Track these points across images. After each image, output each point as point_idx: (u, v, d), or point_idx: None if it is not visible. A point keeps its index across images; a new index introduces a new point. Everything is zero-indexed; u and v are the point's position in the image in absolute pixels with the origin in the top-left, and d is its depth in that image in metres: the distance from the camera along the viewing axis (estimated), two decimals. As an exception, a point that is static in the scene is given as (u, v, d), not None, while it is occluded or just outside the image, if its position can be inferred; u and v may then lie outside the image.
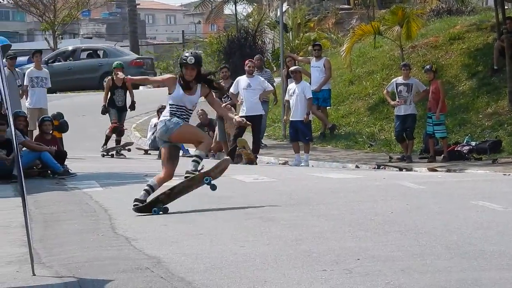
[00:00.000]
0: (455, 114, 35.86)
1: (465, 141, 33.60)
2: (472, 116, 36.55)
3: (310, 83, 33.55)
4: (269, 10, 59.65)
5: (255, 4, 64.07)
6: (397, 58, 38.59)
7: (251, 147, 30.70)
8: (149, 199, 16.81)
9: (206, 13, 71.92)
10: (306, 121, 30.41)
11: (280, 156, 32.77)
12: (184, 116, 17.05)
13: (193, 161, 16.94)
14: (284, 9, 48.03)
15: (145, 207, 16.68)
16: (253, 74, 30.57)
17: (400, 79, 31.97)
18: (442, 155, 31.71)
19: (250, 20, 63.28)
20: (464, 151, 32.61)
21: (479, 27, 42.42)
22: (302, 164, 29.96)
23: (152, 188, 16.91)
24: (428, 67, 32.90)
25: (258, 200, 16.38)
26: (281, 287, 10.49)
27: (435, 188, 21.41)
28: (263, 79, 31.78)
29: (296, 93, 30.47)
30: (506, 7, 41.16)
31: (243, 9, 67.09)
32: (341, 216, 15.99)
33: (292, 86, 31.13)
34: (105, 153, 30.95)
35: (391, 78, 34.41)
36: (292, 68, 31.34)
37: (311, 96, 31.06)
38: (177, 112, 17.00)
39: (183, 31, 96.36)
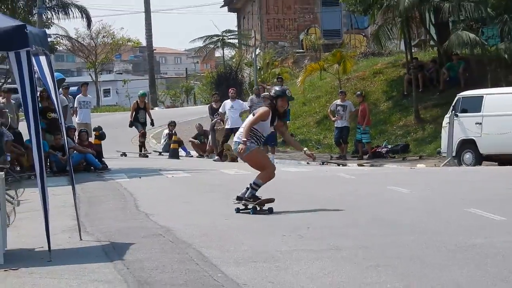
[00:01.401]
0: (376, 126, 35.97)
1: (383, 145, 34.11)
2: (388, 127, 37.00)
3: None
4: (246, 53, 60.00)
5: (237, 49, 64.89)
6: (336, 87, 38.30)
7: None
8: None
9: (202, 56, 73.00)
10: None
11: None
12: (259, 142, 14.24)
13: (250, 187, 13.88)
14: (257, 52, 48.36)
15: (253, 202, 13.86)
16: (234, 99, 31.09)
17: (338, 102, 32.23)
18: (368, 155, 32.02)
19: (233, 60, 63.25)
20: (383, 152, 33.21)
21: (394, 64, 42.57)
22: (270, 161, 29.83)
23: (258, 186, 13.93)
24: (358, 93, 33.36)
25: (238, 187, 16.43)
26: (253, 246, 10.49)
27: (362, 178, 21.50)
28: (242, 102, 32.57)
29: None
30: (413, 51, 41.47)
31: (228, 53, 68.12)
32: (297, 198, 15.95)
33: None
34: (142, 155, 31.69)
35: (332, 101, 34.37)
36: (262, 94, 31.76)
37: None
38: (255, 136, 13.97)
39: (186, 68, 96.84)
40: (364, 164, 30.52)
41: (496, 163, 28.55)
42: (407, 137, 36.13)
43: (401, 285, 8.19)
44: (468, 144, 29.06)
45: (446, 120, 29.57)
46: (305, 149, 15.04)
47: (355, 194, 17.04)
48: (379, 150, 33.74)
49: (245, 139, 13.76)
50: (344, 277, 8.66)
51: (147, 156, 31.59)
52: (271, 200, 13.74)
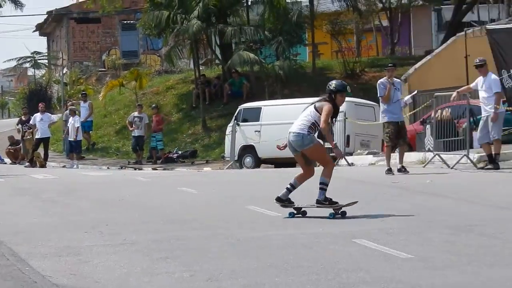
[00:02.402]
0: (169, 134, 36.07)
1: (174, 151, 34.30)
2: (179, 135, 37.18)
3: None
4: (55, 72, 60.30)
5: (46, 68, 64.97)
6: (134, 101, 38.21)
7: (43, 157, 30.96)
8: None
9: (17, 74, 72.80)
10: (77, 139, 31.20)
11: (61, 162, 32.68)
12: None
13: (320, 189, 12.17)
14: (64, 71, 48.44)
15: (285, 206, 12.30)
16: (44, 112, 30.87)
17: (136, 113, 32.37)
18: (161, 160, 32.27)
19: (43, 78, 63.82)
20: (174, 157, 33.45)
21: (184, 80, 42.74)
22: (75, 167, 29.98)
23: (293, 187, 12.27)
24: (153, 106, 34.19)
25: (47, 188, 16.18)
26: (58, 242, 10.37)
27: (156, 180, 21.44)
28: (50, 115, 32.61)
29: (71, 123, 31.14)
30: (201, 68, 42.24)
31: (40, 72, 68.31)
32: (97, 198, 15.79)
33: (71, 119, 31.78)
34: None
35: (130, 113, 34.52)
36: (70, 108, 32.11)
37: (79, 125, 31.54)
38: (315, 130, 12.14)
39: (1, 85, 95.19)
40: (158, 168, 30.47)
41: (273, 165, 29.18)
42: (196, 143, 36.60)
43: (187, 274, 8.21)
44: (248, 149, 29.52)
45: (229, 128, 29.83)
46: (335, 142, 12.92)
47: (150, 194, 16.97)
48: (171, 155, 34.03)
49: (334, 142, 12.27)
50: (138, 268, 8.64)
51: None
52: (351, 204, 11.99)
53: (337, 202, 11.73)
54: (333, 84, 12.24)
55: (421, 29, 55.40)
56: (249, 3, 42.00)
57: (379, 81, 19.90)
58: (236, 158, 28.97)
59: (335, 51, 51.02)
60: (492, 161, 18.97)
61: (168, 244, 10.14)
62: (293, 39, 40.34)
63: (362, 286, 7.57)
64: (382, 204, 13.54)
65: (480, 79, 19.11)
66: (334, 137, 12.75)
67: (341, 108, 28.47)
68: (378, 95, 19.59)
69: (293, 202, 12.01)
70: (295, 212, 11.98)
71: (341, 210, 11.75)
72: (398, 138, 19.20)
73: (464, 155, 19.55)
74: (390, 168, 18.60)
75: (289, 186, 12.03)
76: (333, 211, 11.70)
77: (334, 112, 12.13)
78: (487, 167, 19.10)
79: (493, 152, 18.80)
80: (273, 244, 10.18)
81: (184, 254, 9.39)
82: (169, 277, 8.18)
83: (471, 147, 20.95)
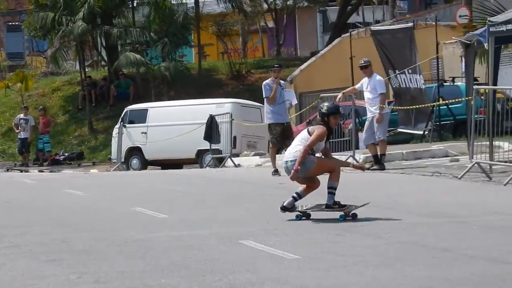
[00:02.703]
0: (56, 136, 36.22)
1: (61, 153, 34.53)
2: (66, 137, 37.31)
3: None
4: None
5: None
6: (19, 103, 38.33)
7: None
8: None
9: None
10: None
11: None
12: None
13: (329, 193, 12.05)
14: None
15: (291, 211, 12.07)
16: None
17: (22, 116, 32.58)
18: (47, 162, 32.40)
19: None
20: (61, 159, 33.70)
21: (70, 82, 42.82)
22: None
23: (299, 196, 12.09)
24: (40, 107, 34.38)
25: None
26: None
27: (43, 182, 21.37)
28: None
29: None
30: (87, 70, 42.72)
31: None
32: None
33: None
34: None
35: (16, 115, 34.50)
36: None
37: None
38: (310, 153, 11.89)
39: None
40: (44, 170, 30.41)
41: (160, 167, 29.41)
42: (82, 145, 36.99)
43: (74, 276, 8.20)
44: (135, 151, 29.74)
45: (115, 130, 30.02)
46: (353, 162, 13.06)
47: (36, 197, 16.83)
48: (57, 157, 34.43)
49: (297, 167, 11.85)
50: (24, 271, 8.54)
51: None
52: (362, 205, 11.97)
53: (346, 205, 11.72)
54: (324, 107, 12.03)
55: (306, 31, 56.93)
56: (135, 5, 42.47)
57: (264, 82, 20.14)
58: (122, 159, 29.11)
59: (221, 53, 51.94)
60: (378, 162, 19.58)
61: (55, 246, 10.07)
62: (179, 41, 40.98)
63: (249, 287, 7.66)
64: (268, 205, 13.79)
65: (365, 80, 19.63)
66: (296, 154, 12.11)
67: (227, 109, 28.94)
68: (264, 96, 19.87)
69: (297, 207, 11.86)
70: (301, 215, 11.80)
71: (352, 212, 11.65)
72: (284, 139, 19.42)
73: (350, 155, 20.07)
74: (277, 169, 18.80)
75: (295, 195, 11.84)
76: (343, 213, 11.62)
77: (328, 134, 12.02)
78: (373, 167, 19.63)
79: (378, 153, 19.35)
80: (161, 245, 10.24)
81: (71, 257, 9.34)
82: (56, 280, 8.11)
83: (357, 148, 21.50)
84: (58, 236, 10.73)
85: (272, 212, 12.69)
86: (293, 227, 11.22)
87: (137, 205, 14.48)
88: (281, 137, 19.70)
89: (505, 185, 17.05)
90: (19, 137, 32.87)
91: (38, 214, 13.80)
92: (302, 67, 34.93)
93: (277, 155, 19.80)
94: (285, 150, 20.40)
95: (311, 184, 12.00)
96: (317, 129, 12.30)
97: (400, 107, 26.37)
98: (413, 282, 7.98)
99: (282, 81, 20.65)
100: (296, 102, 23.99)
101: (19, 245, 10.05)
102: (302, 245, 9.76)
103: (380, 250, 9.46)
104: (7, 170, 30.62)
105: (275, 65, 21.77)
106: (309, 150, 12.31)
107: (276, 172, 19.04)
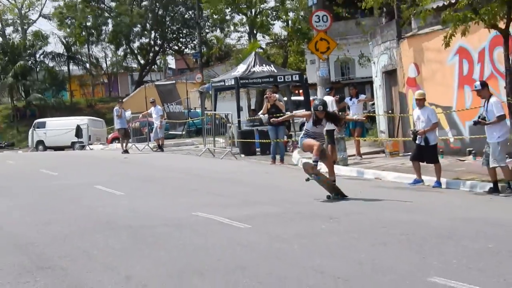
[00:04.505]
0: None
1: (2, 142, 41.13)
2: (4, 135, 43.21)
3: None
4: None
5: None
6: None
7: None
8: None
9: None
10: None
11: None
12: (312, 136, 12.71)
13: (313, 161, 12.54)
14: None
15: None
16: None
17: None
18: None
19: None
20: (2, 145, 40.35)
21: (5, 108, 48.99)
22: None
23: (316, 162, 12.64)
24: None
25: None
26: None
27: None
28: None
29: None
30: (14, 102, 48.19)
31: None
32: None
33: None
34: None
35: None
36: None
37: None
38: (308, 134, 12.78)
39: None
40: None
41: (53, 149, 34.95)
42: (13, 139, 43.75)
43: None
44: (40, 142, 36.80)
45: (30, 131, 37.20)
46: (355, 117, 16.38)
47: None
48: (1, 144, 40.91)
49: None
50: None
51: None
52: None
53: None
54: (314, 103, 12.80)
55: (123, 82, 66.25)
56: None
57: (114, 108, 25.02)
58: (34, 146, 36.30)
59: (83, 94, 60.99)
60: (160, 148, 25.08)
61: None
62: (60, 88, 52.25)
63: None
64: (117, 170, 18.68)
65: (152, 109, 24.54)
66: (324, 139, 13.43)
67: (86, 121, 37.34)
68: (115, 115, 25.63)
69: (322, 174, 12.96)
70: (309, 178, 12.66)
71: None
72: (126, 137, 25.75)
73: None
74: (126, 150, 24.78)
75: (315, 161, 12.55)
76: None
77: (315, 120, 12.54)
78: (157, 150, 25.18)
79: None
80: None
81: None
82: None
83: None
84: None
85: (115, 169, 17.06)
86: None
87: (42, 168, 18.59)
88: (124, 135, 26.09)
89: (221, 159, 21.80)
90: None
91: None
92: (125, 99, 43.24)
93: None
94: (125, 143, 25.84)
95: (324, 160, 12.83)
96: (304, 112, 14.75)
97: (170, 121, 34.37)
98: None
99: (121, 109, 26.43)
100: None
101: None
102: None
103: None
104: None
105: (120, 100, 28.59)
106: (292, 118, 18.72)
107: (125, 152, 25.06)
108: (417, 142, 14.62)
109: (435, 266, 7.29)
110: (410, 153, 16.72)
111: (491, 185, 13.13)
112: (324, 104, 12.58)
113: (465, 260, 7.52)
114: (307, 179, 12.55)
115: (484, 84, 13.23)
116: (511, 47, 13.51)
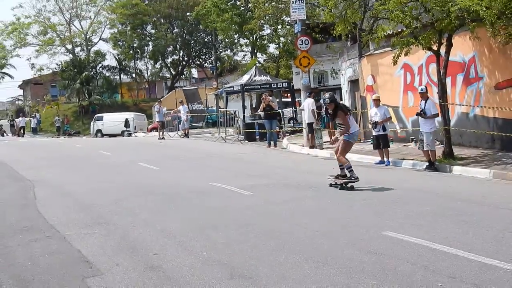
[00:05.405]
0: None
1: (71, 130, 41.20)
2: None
3: None
4: None
5: None
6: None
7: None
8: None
9: None
10: None
11: None
12: (341, 127, 10.49)
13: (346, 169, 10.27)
14: None
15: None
16: None
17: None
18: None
19: None
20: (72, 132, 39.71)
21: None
22: None
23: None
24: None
25: None
26: None
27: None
28: None
29: None
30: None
31: None
32: None
33: None
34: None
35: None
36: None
37: None
38: (341, 128, 10.51)
39: None
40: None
41: (109, 136, 34.04)
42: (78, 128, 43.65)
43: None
44: (99, 131, 35.47)
45: (92, 122, 36.33)
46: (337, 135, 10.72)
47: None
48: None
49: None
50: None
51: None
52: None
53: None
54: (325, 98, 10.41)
55: (159, 88, 63.13)
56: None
57: (154, 106, 23.83)
58: (95, 134, 35.22)
59: (130, 96, 59.15)
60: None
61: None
62: (113, 91, 50.76)
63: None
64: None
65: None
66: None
67: (131, 115, 36.59)
68: (156, 111, 24.78)
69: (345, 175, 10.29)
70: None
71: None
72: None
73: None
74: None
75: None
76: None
77: (331, 116, 10.49)
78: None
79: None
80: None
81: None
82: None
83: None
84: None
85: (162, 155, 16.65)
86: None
87: (100, 150, 18.64)
88: (161, 126, 25.89)
89: (231, 143, 20.96)
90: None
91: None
92: (161, 99, 36.36)
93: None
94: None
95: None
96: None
97: (193, 114, 32.52)
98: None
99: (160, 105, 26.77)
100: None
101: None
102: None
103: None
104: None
105: (159, 100, 28.79)
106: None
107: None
108: (375, 132, 14.46)
109: (388, 223, 7.28)
110: (369, 140, 16.50)
111: (427, 163, 13.06)
112: (330, 96, 10.45)
113: (409, 219, 7.48)
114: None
115: (426, 89, 13.39)
116: (441, 63, 13.55)
